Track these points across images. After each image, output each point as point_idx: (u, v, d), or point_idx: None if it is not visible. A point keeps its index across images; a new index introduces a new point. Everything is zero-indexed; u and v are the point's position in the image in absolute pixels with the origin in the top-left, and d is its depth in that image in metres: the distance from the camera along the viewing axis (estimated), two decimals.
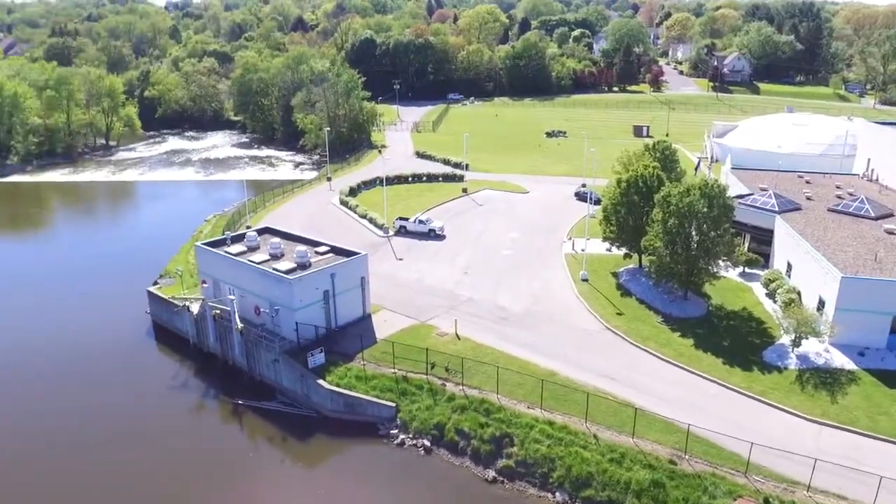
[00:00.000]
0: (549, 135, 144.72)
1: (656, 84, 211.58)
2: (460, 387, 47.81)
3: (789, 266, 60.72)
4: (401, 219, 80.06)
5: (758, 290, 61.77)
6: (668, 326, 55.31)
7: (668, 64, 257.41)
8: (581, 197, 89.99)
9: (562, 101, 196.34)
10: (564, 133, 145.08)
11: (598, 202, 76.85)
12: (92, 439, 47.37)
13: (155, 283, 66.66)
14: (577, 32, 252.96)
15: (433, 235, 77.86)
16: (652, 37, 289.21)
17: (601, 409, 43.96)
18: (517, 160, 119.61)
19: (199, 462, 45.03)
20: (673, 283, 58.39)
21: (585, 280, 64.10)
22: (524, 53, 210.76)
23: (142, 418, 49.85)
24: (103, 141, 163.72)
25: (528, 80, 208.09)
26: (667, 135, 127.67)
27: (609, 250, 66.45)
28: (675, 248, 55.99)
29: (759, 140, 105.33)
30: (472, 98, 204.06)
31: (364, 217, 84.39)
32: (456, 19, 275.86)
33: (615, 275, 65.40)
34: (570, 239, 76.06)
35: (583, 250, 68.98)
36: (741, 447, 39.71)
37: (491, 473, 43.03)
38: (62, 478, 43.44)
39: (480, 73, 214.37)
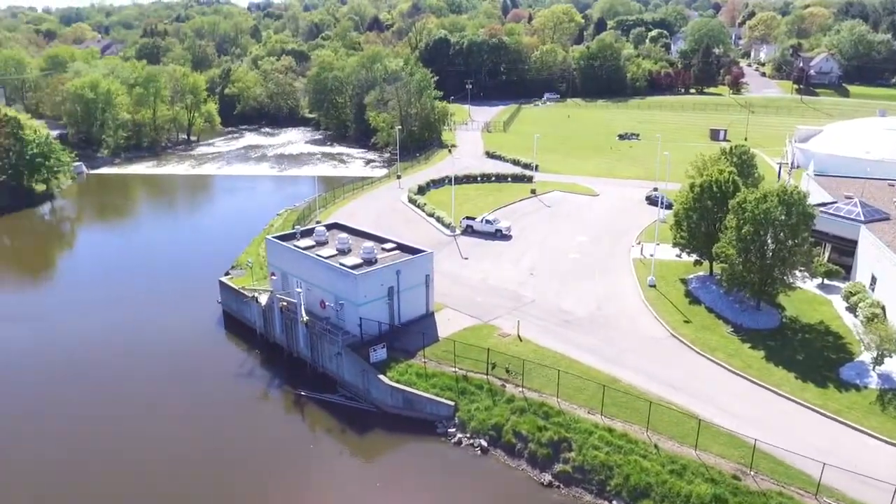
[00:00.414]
0: (621, 137, 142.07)
1: (736, 86, 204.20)
2: (520, 388, 47.51)
3: (874, 279, 57.59)
4: (468, 218, 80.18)
5: (837, 303, 58.87)
6: (738, 337, 53.38)
7: (749, 65, 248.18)
8: (652, 201, 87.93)
9: (636, 102, 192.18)
10: (637, 135, 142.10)
11: (669, 207, 74.87)
12: (157, 422, 49.30)
13: (227, 274, 69.00)
14: (654, 33, 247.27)
15: (500, 236, 77.63)
16: (733, 37, 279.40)
17: (663, 419, 42.84)
18: (588, 162, 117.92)
19: (261, 450, 46.27)
20: (745, 292, 56.27)
21: (653, 286, 62.60)
22: (599, 54, 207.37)
23: (208, 404, 51.74)
24: (185, 136, 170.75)
25: (601, 82, 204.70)
26: (745, 139, 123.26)
27: (679, 256, 64.64)
28: (749, 257, 53.94)
29: (845, 145, 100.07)
30: (544, 99, 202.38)
31: (431, 215, 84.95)
32: (531, 19, 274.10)
33: (684, 282, 63.61)
34: (639, 244, 74.43)
35: (651, 255, 67.37)
36: (812, 467, 37.92)
37: (547, 477, 42.60)
38: (129, 457, 45.46)
39: (553, 73, 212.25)
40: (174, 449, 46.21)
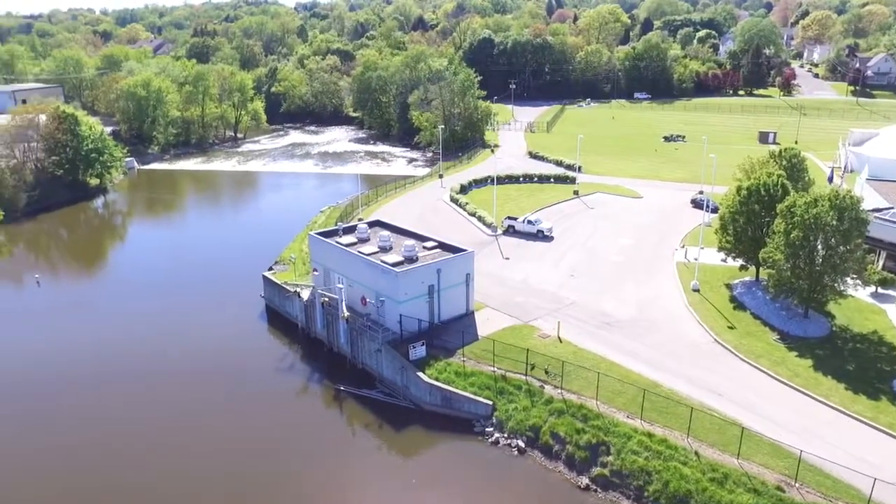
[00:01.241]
0: (666, 139, 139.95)
1: (787, 88, 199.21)
2: (559, 390, 47.22)
3: None
4: (509, 218, 79.99)
5: (893, 313, 56.93)
6: (785, 344, 52.07)
7: (801, 66, 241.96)
8: (697, 204, 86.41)
9: (682, 104, 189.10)
10: (683, 137, 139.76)
11: (714, 210, 73.48)
12: (199, 412, 50.46)
13: (270, 269, 70.22)
14: (702, 33, 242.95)
15: (541, 236, 77.25)
16: (785, 37, 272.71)
17: (704, 426, 42.06)
18: (632, 164, 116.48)
19: (300, 443, 46.95)
20: (792, 298, 54.80)
21: (696, 290, 61.52)
22: (644, 55, 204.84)
23: (249, 396, 52.66)
24: (232, 133, 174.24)
25: (647, 83, 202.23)
26: (795, 142, 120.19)
27: (724, 261, 63.36)
28: (798, 262, 52.54)
29: None
30: (588, 100, 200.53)
31: (473, 215, 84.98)
32: (576, 19, 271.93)
33: (729, 287, 62.32)
34: (683, 247, 73.22)
35: (695, 259, 66.20)
36: (861, 482, 36.75)
37: (584, 480, 42.24)
38: (169, 444, 46.59)
39: (598, 74, 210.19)
40: (214, 439, 47.17)
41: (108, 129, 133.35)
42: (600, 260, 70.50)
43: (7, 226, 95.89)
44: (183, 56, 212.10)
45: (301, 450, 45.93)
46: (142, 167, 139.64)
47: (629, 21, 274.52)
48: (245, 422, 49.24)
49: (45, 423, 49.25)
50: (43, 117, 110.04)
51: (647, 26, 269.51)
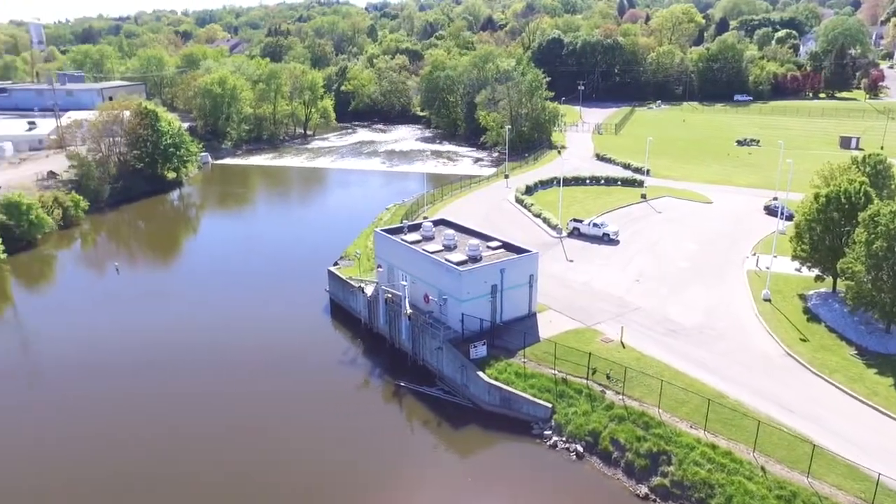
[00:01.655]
0: (739, 143, 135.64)
1: (874, 90, 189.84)
2: (620, 396, 46.49)
3: None
4: (575, 220, 79.17)
5: None
6: (863, 360, 49.71)
7: (891, 67, 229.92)
8: (771, 211, 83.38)
9: (757, 107, 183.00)
10: (757, 142, 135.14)
11: (789, 218, 70.86)
12: (259, 401, 51.71)
13: (335, 264, 71.58)
14: (781, 33, 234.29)
15: (607, 240, 76.15)
16: (874, 36, 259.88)
17: (772, 440, 40.59)
18: (702, 168, 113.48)
19: (357, 436, 47.57)
20: (873, 312, 52.28)
21: (768, 300, 59.42)
22: (719, 56, 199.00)
23: (311, 387, 53.78)
24: (302, 130, 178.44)
25: (721, 85, 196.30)
26: (881, 148, 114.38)
27: (798, 270, 60.99)
28: (880, 274, 50.07)
29: None
30: (658, 101, 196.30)
31: (538, 216, 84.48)
32: (648, 19, 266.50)
33: (803, 297, 59.96)
34: (755, 255, 70.85)
35: (767, 268, 63.91)
36: None
37: (643, 489, 41.44)
38: (229, 434, 48.09)
39: (670, 75, 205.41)
40: (272, 428, 48.25)
41: (186, 125, 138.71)
42: (667, 265, 68.98)
43: (92, 215, 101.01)
44: (257, 55, 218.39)
45: (358, 443, 46.61)
46: (215, 162, 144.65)
47: (703, 21, 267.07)
48: (304, 412, 50.35)
49: (108, 404, 51.57)
50: (127, 113, 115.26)
51: (722, 26, 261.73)
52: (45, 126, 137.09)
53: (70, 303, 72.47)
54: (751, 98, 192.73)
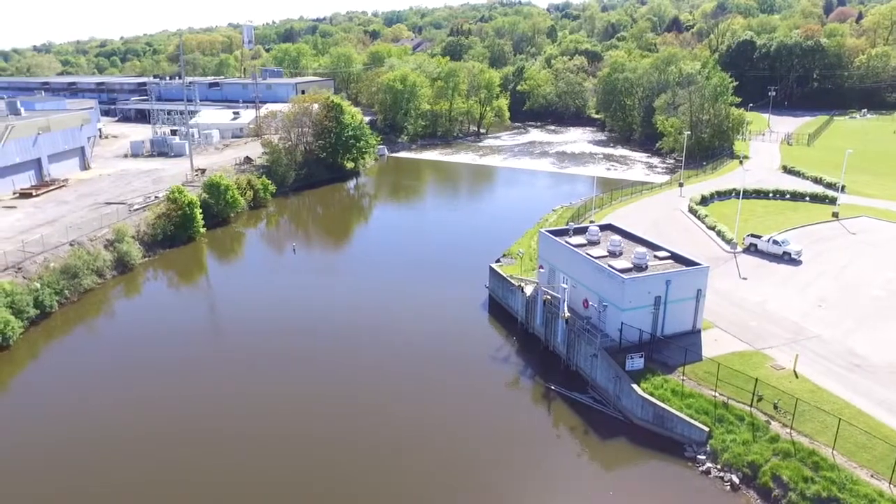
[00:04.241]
0: None
1: None
2: (787, 429, 42.75)
3: None
4: (752, 235, 73.82)
5: None
6: None
7: None
8: None
9: None
10: None
11: None
12: (411, 389, 53.43)
13: (497, 261, 72.33)
14: None
15: (787, 259, 70.24)
16: None
17: None
18: None
19: (502, 434, 47.67)
20: None
21: None
22: None
23: (462, 379, 54.71)
24: (475, 128, 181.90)
25: None
26: None
27: None
28: None
29: None
30: (864, 110, 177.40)
31: (712, 228, 79.81)
32: (860, 18, 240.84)
33: None
34: None
35: None
36: None
37: None
38: (375, 419, 50.16)
39: (882, 81, 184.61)
40: (417, 417, 49.67)
41: (367, 119, 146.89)
42: (857, 293, 62.22)
43: (277, 198, 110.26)
44: (438, 54, 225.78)
45: (502, 442, 46.75)
46: (391, 155, 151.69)
47: None
48: (453, 403, 51.36)
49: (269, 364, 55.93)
50: (315, 106, 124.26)
51: None
52: (247, 116, 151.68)
53: (251, 274, 79.93)
54: None
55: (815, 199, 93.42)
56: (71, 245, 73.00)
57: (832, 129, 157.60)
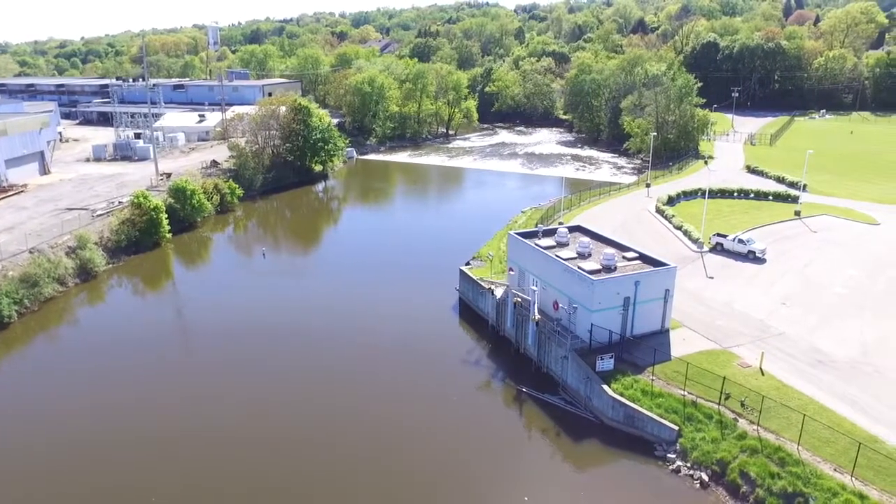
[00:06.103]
0: None
1: None
2: (754, 426, 43.42)
3: None
4: (718, 235, 74.97)
5: None
6: None
7: None
8: None
9: None
10: None
11: None
12: (379, 393, 52.97)
13: (467, 264, 72.29)
14: None
15: (752, 257, 71.47)
16: None
17: None
18: (869, 186, 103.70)
19: (474, 437, 47.60)
20: None
21: None
22: None
23: (432, 383, 54.57)
24: (444, 130, 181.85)
25: None
26: None
27: None
28: None
29: None
30: (822, 111, 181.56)
31: (679, 228, 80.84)
32: (817, 21, 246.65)
33: None
34: None
35: None
36: None
37: None
38: (342, 424, 49.75)
39: (839, 83, 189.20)
40: (387, 419, 49.29)
41: (335, 121, 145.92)
42: (820, 290, 63.57)
43: (245, 202, 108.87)
44: (406, 55, 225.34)
45: (473, 444, 46.67)
46: (360, 157, 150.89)
47: (887, 21, 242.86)
48: (423, 408, 51.17)
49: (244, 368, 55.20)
50: (283, 108, 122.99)
51: None
52: (213, 119, 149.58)
53: (219, 280, 78.79)
54: None
55: (779, 198, 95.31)
56: (31, 253, 71.17)
57: (793, 130, 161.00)
